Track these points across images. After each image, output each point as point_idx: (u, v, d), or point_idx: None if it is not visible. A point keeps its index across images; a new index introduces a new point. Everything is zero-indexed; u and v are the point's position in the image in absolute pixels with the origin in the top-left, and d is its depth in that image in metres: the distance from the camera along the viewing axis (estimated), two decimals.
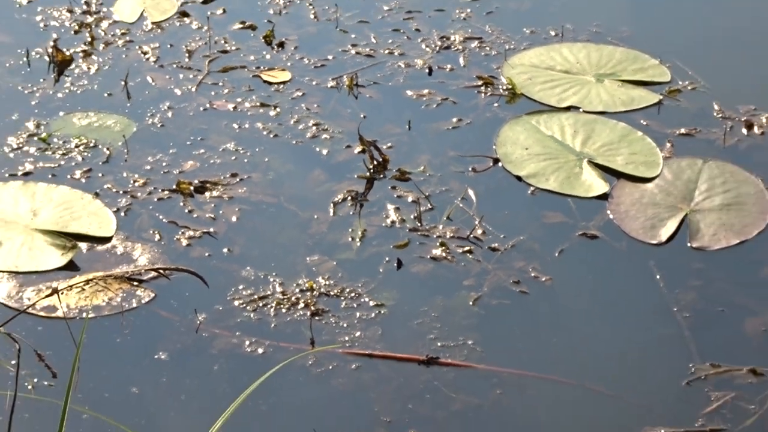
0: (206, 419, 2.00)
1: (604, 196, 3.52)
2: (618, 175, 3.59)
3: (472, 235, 3.41)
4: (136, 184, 3.56)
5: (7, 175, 3.60)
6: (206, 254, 3.38)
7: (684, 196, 3.50)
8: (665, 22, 4.13)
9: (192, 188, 3.55)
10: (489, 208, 3.50)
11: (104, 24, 4.07)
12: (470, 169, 3.61)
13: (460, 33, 4.04)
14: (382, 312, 3.22)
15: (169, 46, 4.03)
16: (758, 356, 3.11)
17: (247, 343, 3.12)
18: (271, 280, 3.30)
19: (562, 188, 3.55)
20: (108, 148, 3.67)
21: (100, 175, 3.60)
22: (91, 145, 3.67)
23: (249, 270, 3.32)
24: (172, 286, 3.30)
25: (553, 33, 4.02)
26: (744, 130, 3.66)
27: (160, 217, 3.48)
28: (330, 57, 3.99)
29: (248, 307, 3.22)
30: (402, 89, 3.88)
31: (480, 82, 3.87)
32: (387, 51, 4.00)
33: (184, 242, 3.41)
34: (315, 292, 3.25)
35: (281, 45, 4.02)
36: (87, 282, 3.28)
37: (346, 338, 3.15)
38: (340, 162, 3.65)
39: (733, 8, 4.23)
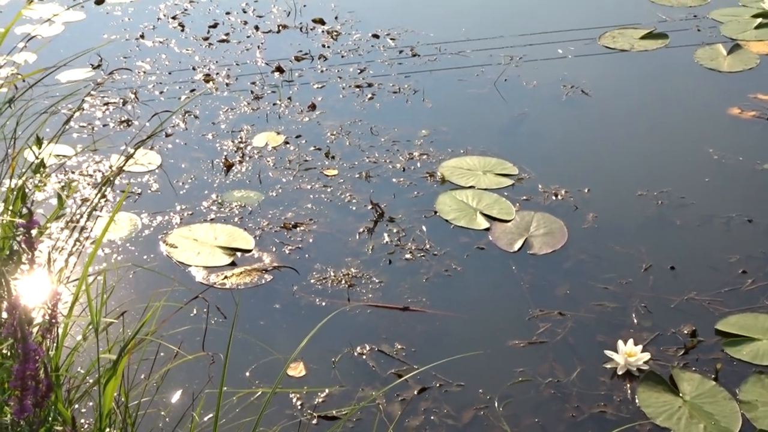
0: (298, 338, 2.01)
1: (487, 229, 3.49)
2: (494, 219, 3.55)
3: (424, 247, 3.40)
4: (263, 224, 3.54)
5: (202, 220, 3.58)
6: (297, 257, 3.37)
7: (525, 229, 3.48)
8: (516, 145, 4.06)
9: (291, 225, 3.52)
10: (432, 234, 3.48)
11: (248, 148, 4.03)
12: (423, 216, 3.58)
13: (418, 151, 3.97)
14: (382, 285, 3.22)
15: (279, 158, 3.97)
16: (563, 305, 3.10)
17: (317, 300, 3.14)
18: (328, 269, 3.29)
19: (468, 225, 3.52)
20: (250, 207, 3.65)
21: (246, 220, 3.58)
22: (242, 205, 3.66)
23: (318, 265, 3.32)
24: (281, 273, 3.29)
25: (462, 151, 3.95)
26: (553, 197, 3.65)
27: (275, 239, 3.46)
28: (356, 163, 3.93)
29: (317, 283, 3.22)
30: (390, 178, 3.83)
31: (427, 175, 3.83)
32: (383, 160, 3.94)
33: (287, 251, 3.40)
34: (349, 275, 3.25)
35: (333, 157, 3.96)
36: (241, 272, 3.29)
37: (365, 297, 3.15)
38: (362, 213, 3.61)
39: (554, 138, 4.14)
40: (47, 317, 1.58)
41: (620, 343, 2.86)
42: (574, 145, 4.07)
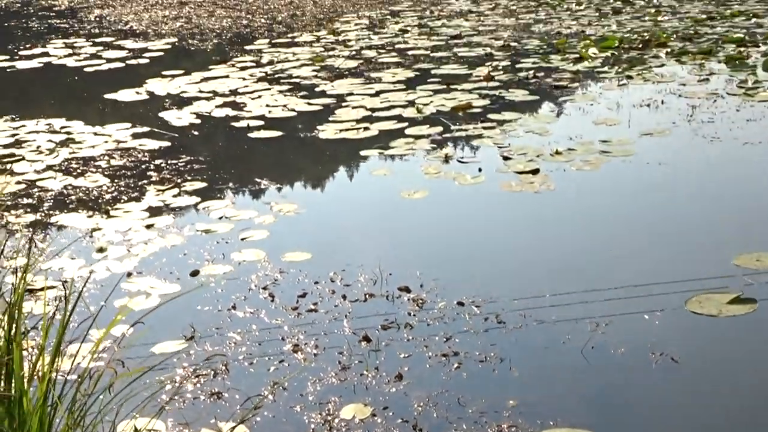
0: None
1: None
2: None
3: None
4: None
5: None
6: None
7: None
8: (607, 416, 3.95)
9: None
10: None
11: (336, 420, 4.03)
12: None
13: (506, 423, 3.86)
14: None
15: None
16: None
17: None
18: None
19: None
20: None
21: None
22: None
23: None
24: None
25: (551, 423, 3.89)
26: None
27: None
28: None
29: None
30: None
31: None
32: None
33: None
34: None
35: (420, 431, 3.90)
36: None
37: None
38: None
39: (645, 409, 4.05)
40: None
41: None
42: (668, 417, 3.98)
